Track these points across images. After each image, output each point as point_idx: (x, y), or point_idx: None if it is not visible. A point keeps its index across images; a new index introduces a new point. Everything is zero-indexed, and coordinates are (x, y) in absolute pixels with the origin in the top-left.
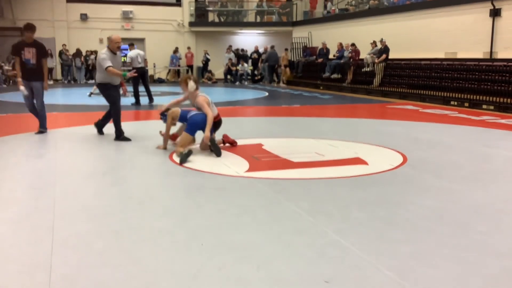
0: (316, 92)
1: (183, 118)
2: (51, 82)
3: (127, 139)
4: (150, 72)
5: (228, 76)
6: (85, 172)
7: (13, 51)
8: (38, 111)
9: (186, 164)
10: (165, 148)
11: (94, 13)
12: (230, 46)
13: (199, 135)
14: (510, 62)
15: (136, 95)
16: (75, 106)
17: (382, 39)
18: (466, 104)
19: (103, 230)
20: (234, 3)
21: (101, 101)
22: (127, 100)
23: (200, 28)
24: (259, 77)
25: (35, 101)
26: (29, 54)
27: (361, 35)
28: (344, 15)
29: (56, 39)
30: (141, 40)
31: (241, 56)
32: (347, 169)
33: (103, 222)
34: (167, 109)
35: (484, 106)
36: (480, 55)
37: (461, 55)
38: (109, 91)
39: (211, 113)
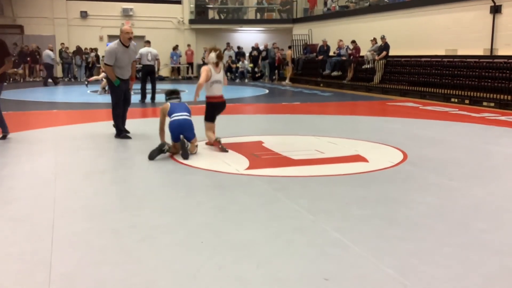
0: (316, 89)
1: (169, 114)
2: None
3: (128, 137)
4: None
5: (228, 74)
6: (85, 170)
7: None
8: None
9: (186, 162)
10: (163, 140)
11: (94, 11)
12: (228, 44)
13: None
14: (511, 59)
15: (143, 92)
16: (75, 104)
17: (383, 36)
18: (467, 101)
19: (102, 229)
20: (234, 1)
21: (101, 99)
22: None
23: (200, 25)
24: (259, 74)
25: None
26: None
27: (362, 32)
28: (344, 12)
29: (56, 37)
30: (141, 38)
31: (239, 53)
32: (347, 167)
33: (102, 221)
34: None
35: (485, 103)
36: (480, 52)
37: (461, 52)
38: (115, 88)
39: (201, 80)
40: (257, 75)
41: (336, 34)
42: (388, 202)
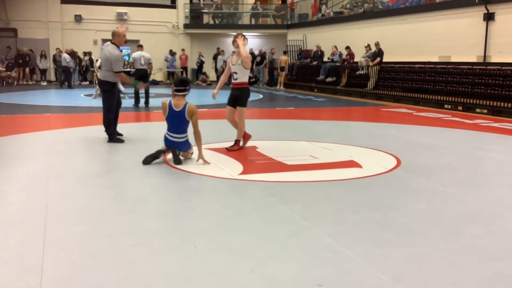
0: (310, 94)
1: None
2: (44, 83)
3: (121, 140)
4: None
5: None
6: (78, 174)
7: None
8: None
9: (180, 167)
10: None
11: (88, 15)
12: (218, 49)
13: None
14: (504, 66)
15: (137, 96)
16: (69, 108)
17: (377, 42)
18: (460, 108)
19: (96, 233)
20: (229, 5)
21: (94, 103)
22: (128, 102)
23: (195, 30)
24: (253, 79)
25: None
26: None
27: (356, 38)
28: (338, 18)
29: (50, 40)
30: (136, 42)
31: None
32: (341, 172)
33: (96, 225)
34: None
35: (478, 110)
36: (473, 59)
37: (455, 58)
38: (109, 93)
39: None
40: (251, 80)
41: (330, 40)
42: (382, 207)
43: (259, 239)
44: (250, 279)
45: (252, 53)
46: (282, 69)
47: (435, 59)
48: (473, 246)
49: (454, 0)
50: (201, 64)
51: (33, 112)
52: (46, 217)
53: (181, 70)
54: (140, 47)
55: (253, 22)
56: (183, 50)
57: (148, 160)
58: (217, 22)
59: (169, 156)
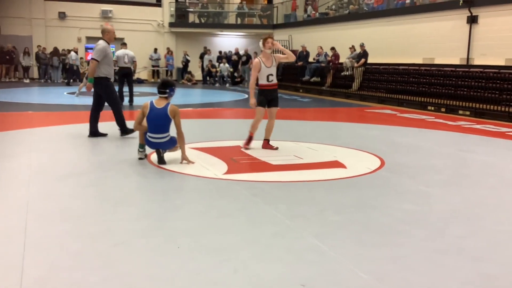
0: (295, 95)
1: (147, 118)
2: (27, 81)
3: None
4: None
5: (208, 78)
6: (60, 173)
7: None
8: None
9: (164, 166)
10: (142, 141)
11: (72, 12)
12: (205, 48)
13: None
14: (486, 68)
15: (121, 94)
16: (51, 106)
17: (362, 43)
18: (443, 109)
19: (77, 232)
20: (214, 5)
21: (78, 101)
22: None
23: (180, 29)
24: (239, 79)
25: None
26: None
27: (341, 39)
28: (324, 19)
29: (33, 37)
30: (120, 40)
31: (221, 57)
32: (325, 172)
33: (78, 224)
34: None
35: (460, 112)
36: (457, 61)
37: (438, 61)
38: (109, 88)
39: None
40: (236, 80)
41: (315, 41)
42: (365, 208)
43: (243, 239)
44: (234, 279)
45: (237, 53)
46: None
47: (419, 61)
48: (456, 246)
49: (438, 2)
50: (186, 63)
51: (16, 110)
52: (27, 216)
53: (166, 68)
54: (124, 45)
55: (239, 21)
56: (168, 48)
57: (162, 161)
58: (202, 21)
59: (154, 155)
